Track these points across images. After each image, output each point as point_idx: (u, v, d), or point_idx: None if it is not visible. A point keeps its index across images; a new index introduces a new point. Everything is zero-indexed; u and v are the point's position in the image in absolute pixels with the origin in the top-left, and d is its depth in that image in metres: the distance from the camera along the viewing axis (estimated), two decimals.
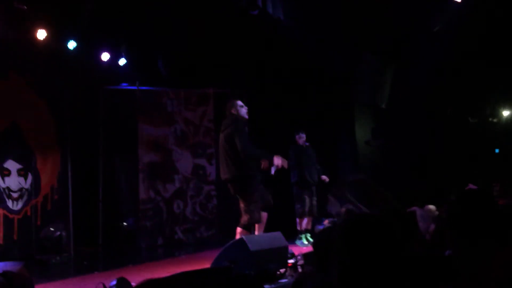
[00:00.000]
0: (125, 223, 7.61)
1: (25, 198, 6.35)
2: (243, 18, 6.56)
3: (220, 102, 8.36)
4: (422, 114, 7.58)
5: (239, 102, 5.34)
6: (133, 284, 3.65)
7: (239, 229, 5.21)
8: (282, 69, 7.81)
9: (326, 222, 7.60)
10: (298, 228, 7.24)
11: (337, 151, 8.18)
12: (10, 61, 6.29)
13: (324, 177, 7.15)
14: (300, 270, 4.76)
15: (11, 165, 6.26)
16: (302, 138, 7.14)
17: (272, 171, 5.31)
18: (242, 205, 5.19)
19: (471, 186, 4.21)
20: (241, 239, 4.69)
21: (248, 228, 5.20)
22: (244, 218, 5.17)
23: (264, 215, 5.31)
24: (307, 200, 7.16)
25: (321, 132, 7.88)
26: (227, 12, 6.67)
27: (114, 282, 3.59)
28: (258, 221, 5.22)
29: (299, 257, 4.87)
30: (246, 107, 5.37)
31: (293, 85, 7.91)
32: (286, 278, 4.67)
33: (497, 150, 8.11)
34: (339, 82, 7.83)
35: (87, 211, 7.12)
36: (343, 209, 4.21)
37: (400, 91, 7.41)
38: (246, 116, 5.35)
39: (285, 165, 5.27)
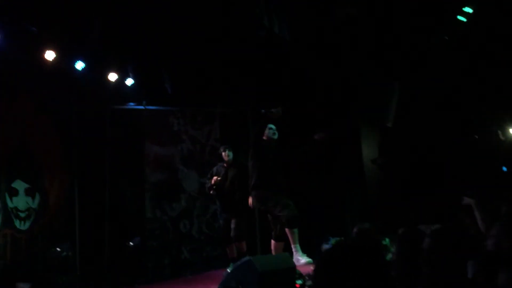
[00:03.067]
0: (131, 243, 7.59)
1: (32, 217, 6.37)
2: (249, 37, 6.63)
3: (225, 121, 8.41)
4: (430, 130, 7.57)
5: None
6: None
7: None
8: (287, 88, 7.84)
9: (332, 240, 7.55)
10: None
11: (344, 171, 8.15)
12: (19, 82, 6.36)
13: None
14: None
15: (19, 185, 6.30)
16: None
17: None
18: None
19: (467, 199, 4.17)
20: (249, 260, 4.68)
21: None
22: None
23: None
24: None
25: (327, 153, 7.86)
26: (232, 32, 6.73)
27: None
28: None
29: (306, 278, 4.84)
30: (273, 129, 6.01)
31: (298, 105, 7.92)
32: None
33: (504, 169, 8.06)
34: (345, 101, 7.84)
35: (93, 230, 7.10)
36: (356, 229, 4.19)
37: (406, 108, 7.41)
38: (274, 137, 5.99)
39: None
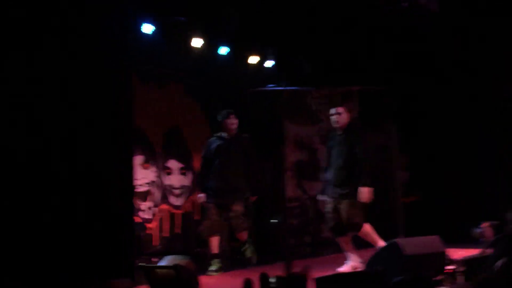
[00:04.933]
0: (273, 220, 7.84)
1: (185, 195, 6.91)
2: (390, 11, 6.35)
3: (365, 100, 8.22)
4: None
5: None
6: None
7: None
8: (433, 65, 7.39)
9: (484, 225, 7.03)
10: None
11: (498, 150, 7.49)
12: (170, 69, 6.87)
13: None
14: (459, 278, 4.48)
15: (173, 164, 6.86)
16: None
17: None
18: None
19: None
20: (394, 242, 4.57)
21: None
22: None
23: None
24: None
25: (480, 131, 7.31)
26: (372, 6, 6.50)
27: (272, 279, 3.71)
28: None
29: (458, 264, 4.59)
30: (333, 115, 5.52)
31: (446, 83, 7.44)
32: (443, 286, 4.42)
33: None
34: (492, 79, 7.18)
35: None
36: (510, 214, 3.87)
37: None
38: (333, 125, 5.55)
39: None
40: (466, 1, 6.01)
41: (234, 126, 5.73)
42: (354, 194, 5.39)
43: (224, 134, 5.76)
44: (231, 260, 6.55)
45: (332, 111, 5.50)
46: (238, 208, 5.67)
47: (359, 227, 5.41)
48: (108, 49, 4.06)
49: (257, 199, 7.54)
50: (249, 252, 6.06)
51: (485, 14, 6.34)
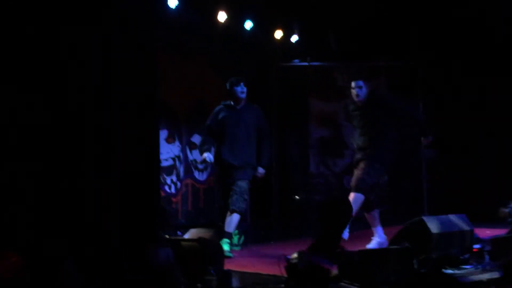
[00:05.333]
0: (296, 196, 7.85)
1: (209, 170, 6.96)
2: None
3: (392, 75, 8.06)
4: None
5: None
6: None
7: None
8: (462, 40, 7.16)
9: None
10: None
11: None
12: (195, 43, 6.83)
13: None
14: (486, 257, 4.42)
15: (197, 139, 6.86)
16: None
17: None
18: None
19: None
20: (420, 219, 4.51)
21: None
22: None
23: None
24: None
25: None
26: None
27: (295, 255, 3.70)
28: None
29: (485, 243, 4.52)
30: (354, 88, 5.26)
31: (475, 57, 7.20)
32: (470, 265, 4.37)
33: None
34: None
35: (261, 183, 7.46)
36: None
37: None
38: (355, 98, 5.27)
39: None
40: None
41: (244, 95, 5.23)
42: (373, 156, 5.23)
43: (233, 103, 5.30)
44: (254, 235, 6.60)
45: (353, 84, 5.29)
46: (243, 184, 5.28)
47: (358, 186, 5.13)
48: (133, 21, 4.04)
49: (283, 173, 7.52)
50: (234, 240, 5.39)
51: None
